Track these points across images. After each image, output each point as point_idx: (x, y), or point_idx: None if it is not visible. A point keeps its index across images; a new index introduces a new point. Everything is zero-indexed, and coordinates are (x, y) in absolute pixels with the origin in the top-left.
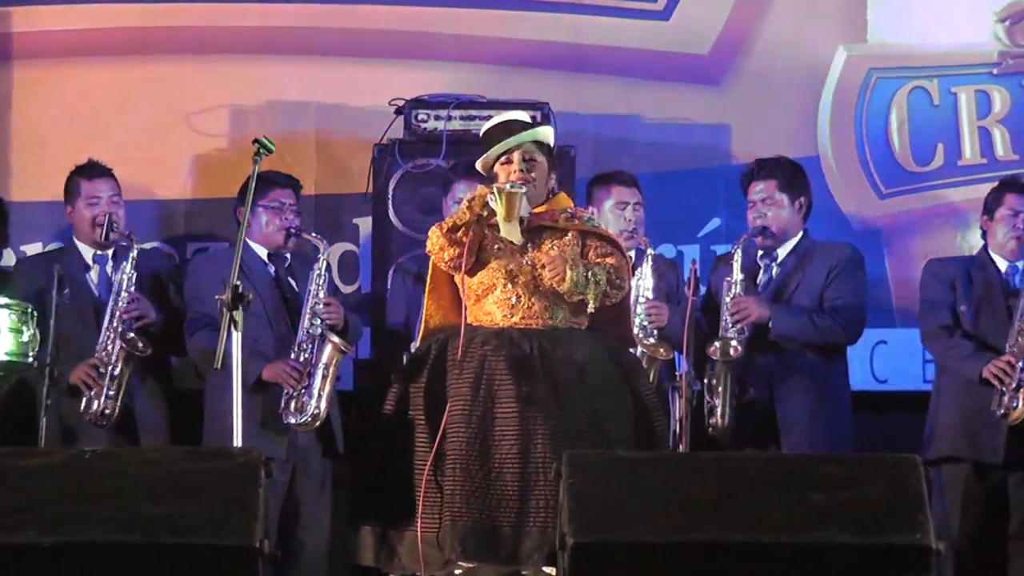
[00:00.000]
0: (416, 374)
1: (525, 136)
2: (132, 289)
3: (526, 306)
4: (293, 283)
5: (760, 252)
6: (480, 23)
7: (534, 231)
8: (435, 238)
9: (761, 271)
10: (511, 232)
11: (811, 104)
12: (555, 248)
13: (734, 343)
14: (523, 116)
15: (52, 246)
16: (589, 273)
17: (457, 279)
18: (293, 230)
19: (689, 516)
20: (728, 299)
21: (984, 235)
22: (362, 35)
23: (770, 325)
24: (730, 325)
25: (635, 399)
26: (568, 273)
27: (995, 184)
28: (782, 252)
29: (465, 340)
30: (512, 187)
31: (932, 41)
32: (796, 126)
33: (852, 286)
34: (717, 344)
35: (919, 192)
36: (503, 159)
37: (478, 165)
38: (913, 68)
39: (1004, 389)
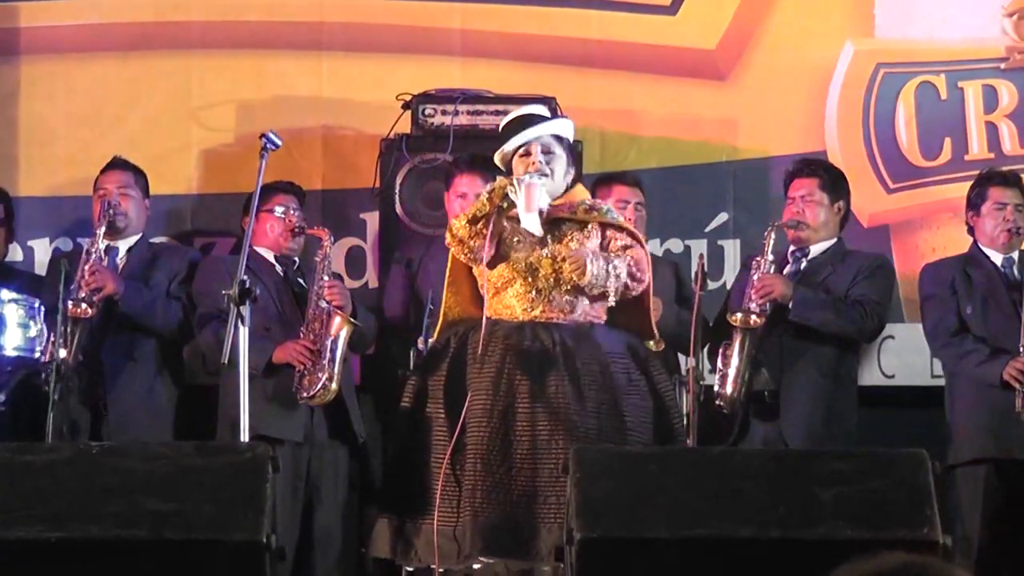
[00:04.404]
0: (435, 367)
1: (543, 129)
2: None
3: (546, 299)
4: (303, 282)
5: (792, 248)
6: (487, 17)
7: (553, 223)
8: (454, 230)
9: (790, 264)
10: (531, 224)
11: (818, 99)
12: (575, 241)
13: (754, 316)
14: (541, 110)
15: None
16: (609, 266)
17: (476, 272)
18: (297, 229)
19: (697, 511)
20: (755, 276)
21: (971, 231)
22: (369, 30)
23: (790, 306)
24: (753, 300)
25: (654, 395)
26: (588, 267)
27: (973, 180)
28: (814, 251)
29: (486, 334)
30: (531, 178)
31: (940, 36)
32: (803, 120)
33: (877, 287)
34: (739, 314)
35: (926, 187)
36: (521, 152)
37: (496, 160)
38: (920, 63)
39: None
